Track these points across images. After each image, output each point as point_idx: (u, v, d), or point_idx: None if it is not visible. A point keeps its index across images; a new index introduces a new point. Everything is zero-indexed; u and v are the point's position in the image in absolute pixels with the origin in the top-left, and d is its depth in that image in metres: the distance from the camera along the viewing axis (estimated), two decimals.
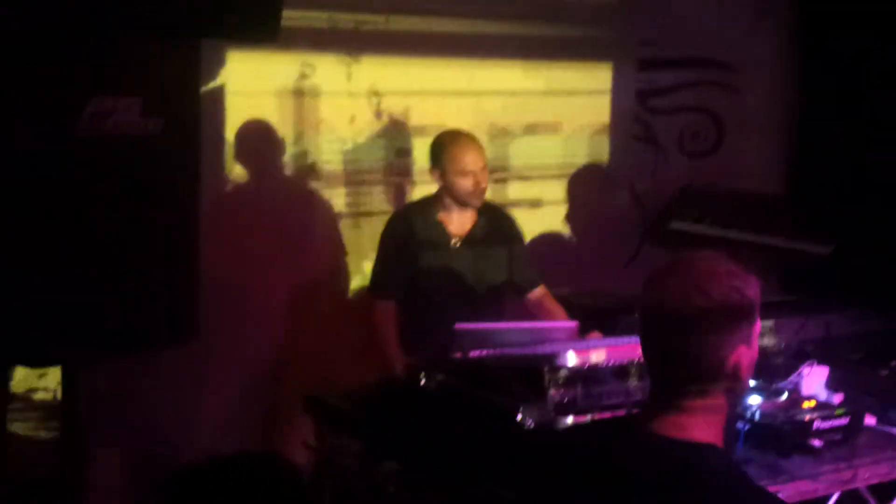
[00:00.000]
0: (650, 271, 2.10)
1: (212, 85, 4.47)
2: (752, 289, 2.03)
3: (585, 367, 3.06)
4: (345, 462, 3.69)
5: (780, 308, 4.29)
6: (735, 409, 2.13)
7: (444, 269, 4.32)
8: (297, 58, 4.83)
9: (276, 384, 4.89)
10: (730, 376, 1.99)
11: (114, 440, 4.42)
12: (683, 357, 2.00)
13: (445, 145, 4.29)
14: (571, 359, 3.04)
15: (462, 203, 4.30)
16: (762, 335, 3.96)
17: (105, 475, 4.33)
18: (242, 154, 4.81)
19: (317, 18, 4.84)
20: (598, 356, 3.10)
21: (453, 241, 4.35)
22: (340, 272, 5.08)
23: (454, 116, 5.02)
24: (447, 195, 4.31)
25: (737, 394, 2.06)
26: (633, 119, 5.90)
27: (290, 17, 4.05)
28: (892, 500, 3.29)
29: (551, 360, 3.04)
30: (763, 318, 4.13)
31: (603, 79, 5.80)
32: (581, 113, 5.74)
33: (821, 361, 3.69)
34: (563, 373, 3.03)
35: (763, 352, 3.88)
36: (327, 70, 4.91)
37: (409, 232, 4.33)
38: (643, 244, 5.78)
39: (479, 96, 5.34)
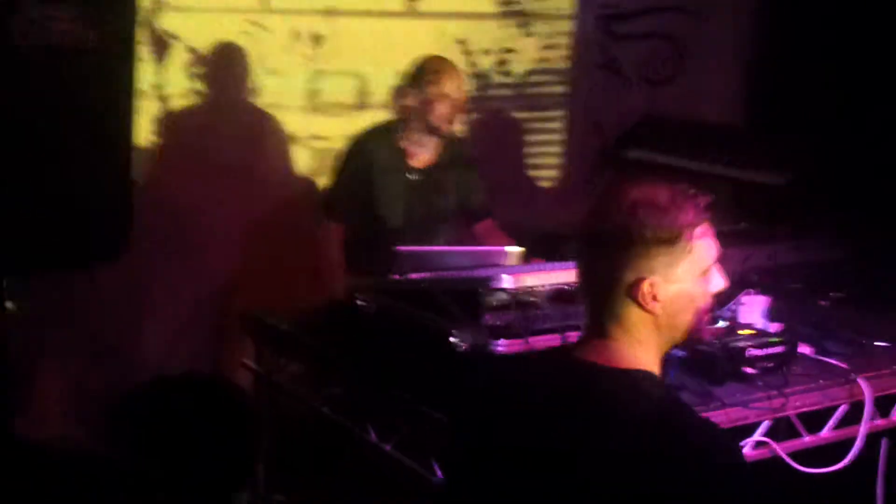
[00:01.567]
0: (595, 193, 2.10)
1: None
2: (669, 216, 1.96)
3: (521, 290, 3.04)
4: (282, 383, 3.71)
5: (726, 237, 4.29)
6: (673, 344, 2.04)
7: (399, 197, 4.29)
8: None
9: (224, 306, 4.87)
10: (643, 304, 1.96)
11: (54, 361, 4.41)
12: (595, 283, 1.99)
13: (429, 68, 4.22)
14: (507, 281, 3.02)
15: (431, 130, 4.24)
16: None
17: (42, 396, 4.32)
18: (209, 75, 4.76)
19: None
20: (534, 280, 3.09)
21: (412, 171, 4.30)
22: (294, 196, 5.06)
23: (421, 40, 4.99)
24: (416, 120, 4.24)
25: (668, 324, 1.99)
26: (595, 46, 5.84)
27: None
28: (821, 429, 3.31)
29: (486, 283, 3.03)
30: None
31: (566, 3, 5.74)
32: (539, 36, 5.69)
33: (763, 291, 3.70)
34: (498, 295, 3.02)
35: None
36: None
37: (367, 157, 4.28)
38: (600, 171, 5.76)
39: (440, 19, 5.28)
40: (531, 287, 3.05)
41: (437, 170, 4.35)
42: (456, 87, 4.19)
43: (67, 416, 4.48)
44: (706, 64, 5.90)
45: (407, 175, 4.30)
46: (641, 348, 2.00)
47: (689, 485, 1.84)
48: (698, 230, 2.00)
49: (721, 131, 5.49)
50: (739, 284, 3.82)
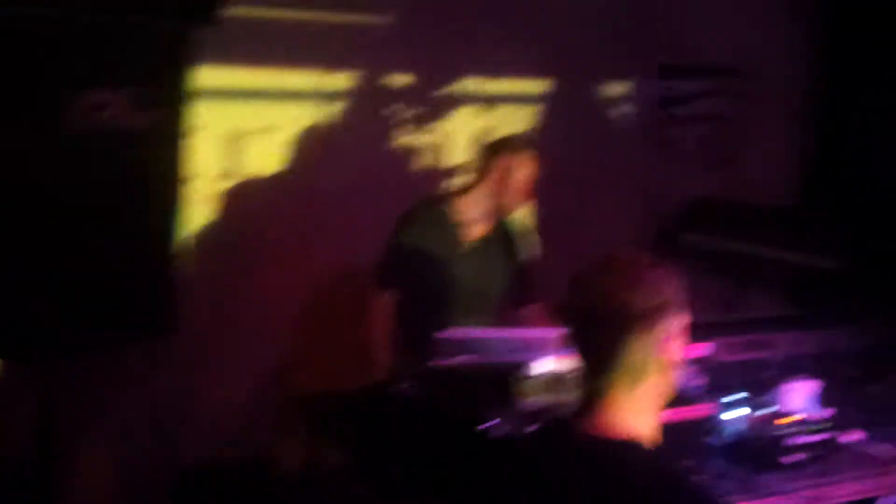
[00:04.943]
0: (576, 271, 2.12)
1: None
2: (675, 281, 2.07)
3: (553, 374, 3.04)
4: (328, 468, 3.72)
5: (777, 322, 4.25)
6: (669, 400, 2.12)
7: (452, 272, 4.29)
8: None
9: (278, 385, 4.90)
10: (658, 371, 2.04)
11: (104, 439, 4.46)
12: (610, 353, 2.04)
13: (519, 152, 4.26)
14: (540, 367, 3.02)
15: (496, 207, 4.26)
16: (755, 347, 3.96)
17: (90, 475, 4.37)
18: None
19: None
20: (567, 364, 3.08)
21: (466, 244, 4.32)
22: (351, 273, 5.10)
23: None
24: (481, 193, 4.28)
25: (667, 386, 2.09)
26: (651, 126, 5.86)
27: None
28: None
29: (520, 369, 3.03)
30: (759, 331, 4.13)
31: (624, 86, 5.78)
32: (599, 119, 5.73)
33: (816, 376, 3.64)
34: (530, 381, 3.01)
35: (756, 365, 3.89)
36: None
37: (422, 228, 4.29)
38: (658, 256, 5.71)
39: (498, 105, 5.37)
40: (563, 371, 3.04)
41: (491, 245, 4.35)
42: (533, 173, 4.24)
43: (115, 496, 4.52)
44: (760, 145, 5.87)
45: (460, 248, 4.31)
46: (646, 414, 2.07)
47: None
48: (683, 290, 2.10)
49: (776, 214, 5.43)
50: (792, 369, 3.76)
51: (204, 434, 4.75)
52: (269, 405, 4.80)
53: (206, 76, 4.35)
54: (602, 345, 2.04)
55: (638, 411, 2.05)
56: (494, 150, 4.29)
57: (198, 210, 4.58)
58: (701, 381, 3.37)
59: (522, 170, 4.21)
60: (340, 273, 5.10)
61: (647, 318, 2.01)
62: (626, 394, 2.04)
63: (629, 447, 2.02)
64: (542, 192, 5.32)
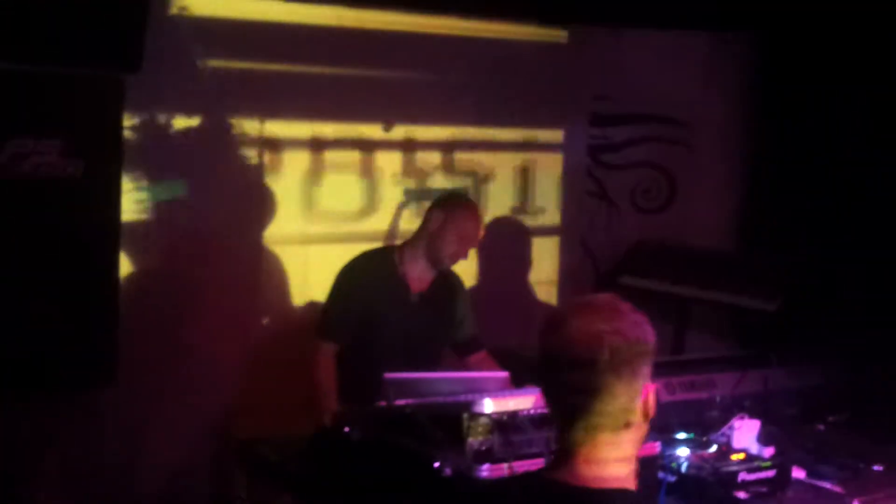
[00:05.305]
0: (545, 317, 2.08)
1: None
2: (650, 327, 2.01)
3: (504, 415, 3.02)
4: None
5: (717, 362, 4.31)
6: (641, 445, 2.04)
7: (395, 322, 4.27)
8: None
9: (220, 435, 4.82)
10: (640, 415, 1.97)
11: (47, 491, 4.35)
12: (593, 400, 1.94)
13: (459, 206, 4.31)
14: (489, 406, 3.01)
15: (434, 260, 4.28)
16: (697, 387, 4.01)
17: None
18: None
19: None
20: (518, 404, 3.07)
21: (412, 296, 4.31)
22: (293, 322, 5.07)
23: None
24: (422, 246, 4.29)
25: (645, 432, 2.03)
26: (585, 174, 5.93)
27: None
28: None
29: (469, 408, 3.01)
30: (699, 372, 4.17)
31: (556, 134, 5.85)
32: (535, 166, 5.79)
33: (756, 416, 3.68)
34: (481, 420, 2.99)
35: (698, 405, 3.93)
36: None
37: (365, 280, 4.29)
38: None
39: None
40: (514, 411, 3.02)
41: (434, 296, 4.35)
42: (474, 235, 4.27)
43: None
44: (696, 191, 5.97)
45: (405, 300, 4.30)
46: (626, 461, 1.99)
47: None
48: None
49: (713, 257, 5.52)
50: (732, 409, 3.80)
51: (147, 485, 4.66)
52: (212, 455, 4.72)
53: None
54: (582, 390, 1.95)
55: (620, 459, 1.98)
56: (434, 204, 4.35)
57: (138, 259, 4.53)
58: None
59: (460, 223, 4.23)
60: (282, 321, 5.06)
61: (629, 365, 1.94)
62: (609, 442, 1.96)
63: (616, 497, 1.96)
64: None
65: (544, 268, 5.87)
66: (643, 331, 1.98)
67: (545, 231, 5.87)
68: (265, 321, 5.07)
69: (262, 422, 4.56)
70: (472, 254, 5.14)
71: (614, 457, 1.97)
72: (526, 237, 5.82)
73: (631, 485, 2.00)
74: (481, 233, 4.31)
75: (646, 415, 1.98)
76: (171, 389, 4.68)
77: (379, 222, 5.30)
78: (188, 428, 4.77)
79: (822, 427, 4.04)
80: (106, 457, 4.52)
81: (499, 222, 5.65)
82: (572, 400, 1.98)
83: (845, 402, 4.19)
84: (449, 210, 4.28)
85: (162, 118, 4.49)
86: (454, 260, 4.30)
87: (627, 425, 1.96)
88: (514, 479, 2.50)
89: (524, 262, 5.82)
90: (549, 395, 2.04)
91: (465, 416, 3.00)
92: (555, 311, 2.09)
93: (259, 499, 3.72)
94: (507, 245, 5.72)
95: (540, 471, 2.14)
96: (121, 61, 3.30)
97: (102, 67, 3.26)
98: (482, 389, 3.51)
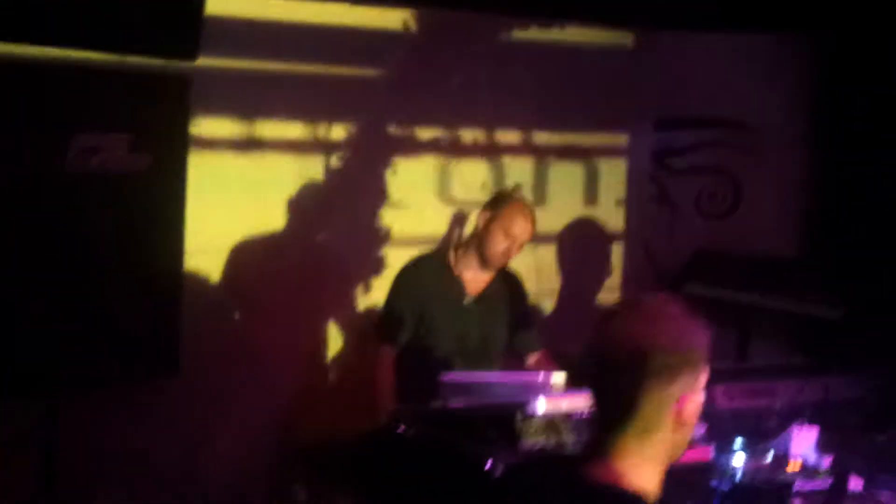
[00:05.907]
0: (603, 312, 2.09)
1: None
2: (700, 335, 1.99)
3: (558, 416, 3.03)
4: None
5: (778, 370, 4.26)
6: (679, 455, 2.03)
7: (453, 324, 4.31)
8: None
9: (282, 433, 4.87)
10: (672, 423, 1.96)
11: (107, 488, 4.43)
12: (625, 401, 1.96)
13: (506, 202, 4.32)
14: (543, 407, 3.02)
15: (483, 260, 4.30)
16: (756, 395, 3.97)
17: None
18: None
19: None
20: (571, 405, 3.08)
21: (467, 298, 4.34)
22: (353, 324, 5.12)
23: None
24: (473, 246, 4.32)
25: (679, 441, 2.01)
26: (649, 179, 5.90)
27: None
28: None
29: (523, 409, 3.03)
30: (759, 379, 4.13)
31: (621, 137, 5.84)
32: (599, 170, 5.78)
33: (815, 423, 3.64)
34: (534, 421, 3.01)
35: (757, 412, 3.89)
36: None
37: (421, 283, 4.33)
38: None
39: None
40: (568, 413, 3.03)
41: (492, 298, 4.37)
42: (522, 229, 4.25)
43: None
44: (761, 196, 5.90)
45: (461, 302, 4.33)
46: (652, 465, 1.99)
47: None
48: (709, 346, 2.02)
49: (777, 264, 5.45)
50: (791, 416, 3.76)
51: (207, 485, 4.72)
52: (272, 455, 4.78)
53: (205, 128, 4.44)
54: (616, 392, 1.97)
55: (645, 464, 1.97)
56: (485, 205, 4.36)
57: (202, 259, 4.61)
58: (701, 427, 3.35)
59: (506, 220, 4.23)
60: (342, 324, 5.11)
61: (665, 371, 1.93)
62: (636, 445, 1.96)
63: (632, 499, 1.95)
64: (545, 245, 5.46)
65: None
66: (687, 337, 1.96)
67: (609, 236, 5.86)
68: (329, 322, 5.11)
69: (322, 423, 4.62)
70: (533, 255, 5.21)
71: (640, 460, 1.97)
72: (591, 241, 5.81)
73: (654, 490, 1.99)
74: (530, 230, 4.28)
75: (680, 423, 1.97)
76: (233, 387, 4.73)
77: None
78: (249, 426, 4.82)
79: (882, 437, 3.96)
80: (166, 453, 4.59)
81: (565, 225, 5.66)
82: (605, 399, 2.01)
83: None
84: (495, 208, 4.29)
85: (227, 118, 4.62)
86: (504, 258, 4.29)
87: (657, 430, 1.96)
88: (548, 465, 2.50)
89: (588, 266, 5.81)
90: (590, 391, 2.05)
91: (519, 416, 3.03)
92: (607, 309, 2.10)
93: (316, 497, 3.77)
94: (571, 248, 5.72)
95: (574, 460, 2.14)
96: (177, 49, 3.35)
97: (159, 54, 3.31)
98: (538, 391, 3.52)
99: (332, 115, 4.99)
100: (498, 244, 4.24)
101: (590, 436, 2.08)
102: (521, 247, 4.30)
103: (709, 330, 2.03)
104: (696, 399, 1.98)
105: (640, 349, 1.93)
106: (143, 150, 3.30)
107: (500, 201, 4.35)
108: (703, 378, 2.00)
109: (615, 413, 1.98)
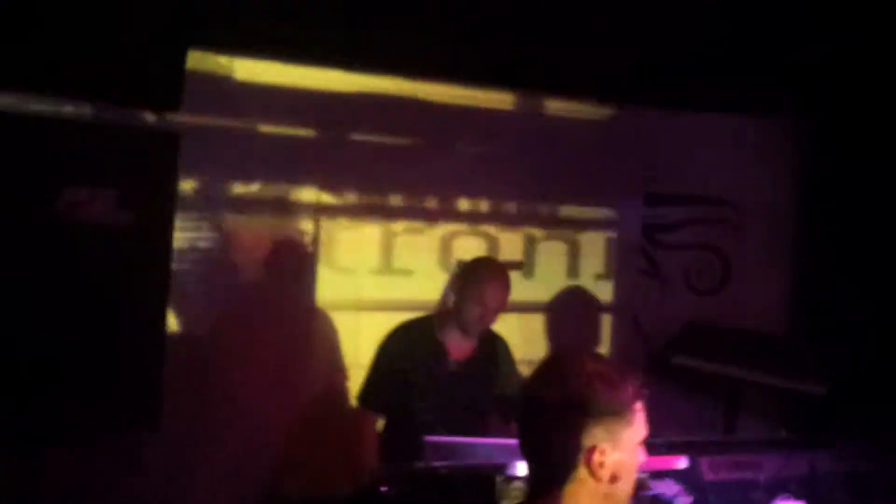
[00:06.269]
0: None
1: None
2: (619, 391, 2.04)
3: None
4: None
5: (763, 444, 4.25)
6: None
7: (437, 390, 4.31)
8: None
9: (264, 492, 4.84)
10: (590, 475, 2.01)
11: None
12: (540, 446, 2.05)
13: (477, 269, 4.35)
14: (522, 469, 3.01)
15: (462, 327, 4.32)
16: (741, 467, 3.95)
17: None
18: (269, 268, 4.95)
19: None
20: None
21: (450, 364, 4.35)
22: (338, 385, 5.11)
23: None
24: (451, 315, 4.34)
25: (611, 495, 2.05)
26: (639, 253, 5.94)
27: None
28: None
29: (503, 471, 3.02)
30: (744, 452, 4.12)
31: (610, 211, 5.89)
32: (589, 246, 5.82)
33: (802, 498, 3.62)
34: (514, 483, 3.00)
35: (742, 485, 3.87)
36: None
37: (407, 349, 4.35)
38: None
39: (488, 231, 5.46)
40: None
41: (476, 363, 4.38)
42: (493, 297, 4.27)
43: None
44: (750, 273, 5.95)
45: (445, 367, 4.33)
46: None
47: None
48: (638, 405, 2.08)
49: (764, 340, 5.47)
50: (776, 490, 3.75)
51: None
52: None
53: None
54: (533, 436, 2.06)
55: None
56: (463, 269, 4.41)
57: (188, 311, 4.62)
58: (687, 499, 3.34)
59: (480, 285, 4.25)
60: (327, 386, 5.10)
61: (573, 420, 2.00)
62: (558, 491, 2.02)
63: None
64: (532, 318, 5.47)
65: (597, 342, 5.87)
66: (598, 391, 2.01)
67: (597, 307, 5.87)
68: (313, 382, 5.11)
69: (306, 481, 4.60)
70: (520, 325, 5.22)
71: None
72: (580, 312, 5.82)
73: None
74: (504, 294, 4.30)
75: (597, 475, 2.00)
76: (218, 444, 4.74)
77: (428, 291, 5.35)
78: (234, 482, 4.80)
79: None
80: None
81: (554, 295, 5.67)
82: (525, 444, 2.11)
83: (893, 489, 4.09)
84: (468, 273, 4.33)
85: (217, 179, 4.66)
86: (481, 324, 4.31)
87: (574, 481, 2.01)
88: None
89: (577, 337, 5.82)
90: (529, 436, 2.12)
91: (499, 478, 3.02)
92: (549, 362, 2.16)
93: None
94: (560, 318, 5.74)
95: None
96: (158, 100, 3.42)
97: (140, 106, 3.38)
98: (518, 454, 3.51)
99: (324, 180, 5.05)
100: (472, 312, 4.27)
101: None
102: (496, 311, 4.31)
103: (638, 389, 2.10)
104: (615, 454, 2.02)
105: (545, 400, 2.02)
106: (131, 204, 3.34)
107: (472, 267, 4.38)
108: (631, 436, 2.05)
109: (537, 459, 2.07)
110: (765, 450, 4.10)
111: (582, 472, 2.01)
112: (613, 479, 2.02)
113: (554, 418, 2.00)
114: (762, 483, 3.89)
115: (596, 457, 2.00)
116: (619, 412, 2.02)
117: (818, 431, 4.47)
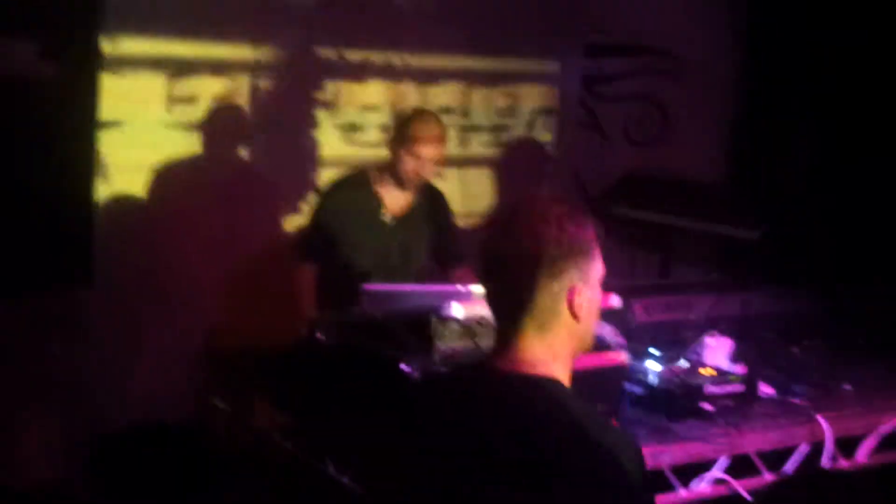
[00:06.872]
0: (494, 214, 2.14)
1: None
2: (584, 231, 2.06)
3: (473, 320, 3.07)
4: (249, 420, 3.72)
5: (695, 286, 4.35)
6: (582, 350, 2.10)
7: (373, 242, 4.34)
8: None
9: (202, 346, 4.86)
10: (567, 315, 2.03)
11: (31, 405, 4.41)
12: (522, 296, 2.03)
13: (411, 122, 4.30)
14: (457, 310, 3.05)
15: (398, 180, 4.32)
16: (672, 308, 4.04)
17: (20, 442, 4.32)
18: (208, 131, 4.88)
19: None
20: (486, 310, 3.10)
21: (388, 217, 4.36)
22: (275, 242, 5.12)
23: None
24: (389, 169, 4.33)
25: (581, 333, 2.07)
26: (578, 105, 5.93)
27: None
28: (781, 466, 3.29)
29: (438, 313, 3.06)
30: (677, 294, 4.20)
31: (550, 64, 5.84)
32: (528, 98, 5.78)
33: (728, 334, 3.72)
34: (449, 325, 3.04)
35: (674, 325, 3.97)
36: None
37: (343, 201, 4.35)
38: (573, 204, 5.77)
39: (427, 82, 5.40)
40: (483, 316, 3.06)
41: (412, 216, 4.40)
42: (432, 150, 4.25)
43: (45, 461, 4.46)
44: (688, 124, 5.97)
45: (382, 220, 4.35)
46: (555, 356, 2.05)
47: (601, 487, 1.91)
48: (597, 241, 2.09)
49: (700, 189, 5.55)
50: (707, 330, 3.84)
51: (126, 398, 4.72)
52: (193, 367, 4.78)
53: (125, 46, 4.37)
54: (511, 288, 2.04)
55: (550, 356, 2.04)
56: (398, 121, 4.37)
57: (123, 175, 4.56)
58: (621, 339, 3.41)
59: (413, 142, 4.23)
60: (264, 241, 5.10)
61: (552, 264, 2.00)
62: (538, 338, 2.03)
63: (549, 383, 2.01)
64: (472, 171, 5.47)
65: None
66: (572, 232, 2.02)
67: (538, 160, 5.88)
68: (254, 240, 5.10)
69: (243, 336, 4.62)
70: (460, 177, 5.23)
71: (545, 351, 2.04)
72: (520, 164, 5.82)
73: (565, 381, 2.05)
74: (438, 148, 4.28)
75: (574, 314, 2.03)
76: (154, 302, 4.73)
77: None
78: (167, 339, 4.82)
79: (796, 350, 4.07)
80: (83, 367, 4.56)
81: (494, 148, 5.68)
82: (500, 296, 2.08)
83: (821, 328, 4.22)
84: (402, 126, 4.30)
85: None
86: (416, 177, 4.30)
87: (555, 323, 2.03)
88: (457, 371, 2.55)
89: (517, 189, 5.83)
90: (486, 289, 2.11)
91: (434, 320, 3.06)
92: (499, 211, 2.15)
93: (237, 407, 3.78)
94: (499, 171, 5.73)
95: (482, 359, 2.20)
96: None
97: None
98: (457, 299, 3.55)
99: (256, 36, 4.95)
100: (407, 164, 4.26)
101: (495, 332, 2.11)
102: (433, 163, 4.30)
103: (593, 226, 2.09)
104: (587, 292, 2.04)
105: (530, 245, 2.01)
106: (51, 56, 3.24)
107: (405, 120, 4.35)
108: (596, 273, 2.07)
109: (514, 309, 2.05)
110: (697, 292, 4.20)
111: (564, 314, 2.03)
112: (586, 316, 2.05)
113: (532, 266, 2.00)
114: (693, 322, 3.99)
115: (575, 297, 2.02)
116: (587, 250, 2.04)
117: (750, 275, 4.57)
